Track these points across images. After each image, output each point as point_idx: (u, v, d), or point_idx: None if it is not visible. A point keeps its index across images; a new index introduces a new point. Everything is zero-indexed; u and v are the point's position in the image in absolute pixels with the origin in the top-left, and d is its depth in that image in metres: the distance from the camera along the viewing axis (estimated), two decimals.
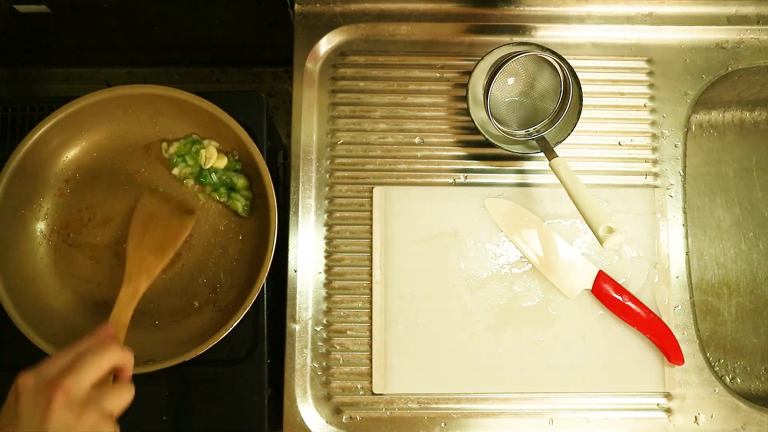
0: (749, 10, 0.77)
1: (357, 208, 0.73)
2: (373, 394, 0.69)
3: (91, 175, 0.69)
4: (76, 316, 0.67)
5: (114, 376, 0.52)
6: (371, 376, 0.70)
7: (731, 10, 0.77)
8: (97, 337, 0.52)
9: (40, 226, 0.68)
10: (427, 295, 0.71)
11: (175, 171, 0.69)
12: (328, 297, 0.71)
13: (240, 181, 0.69)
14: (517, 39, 0.76)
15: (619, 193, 0.73)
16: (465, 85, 0.70)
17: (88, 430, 0.46)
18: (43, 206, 0.68)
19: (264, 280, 0.63)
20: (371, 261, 0.71)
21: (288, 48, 0.76)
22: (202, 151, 0.68)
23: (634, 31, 0.77)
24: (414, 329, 0.70)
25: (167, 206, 0.68)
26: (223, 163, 0.69)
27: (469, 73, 0.70)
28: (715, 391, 0.71)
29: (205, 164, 0.68)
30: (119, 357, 0.51)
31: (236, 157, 0.69)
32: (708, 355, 0.73)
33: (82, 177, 0.69)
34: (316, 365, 0.70)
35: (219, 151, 0.69)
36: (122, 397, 0.50)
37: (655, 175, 0.75)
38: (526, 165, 0.74)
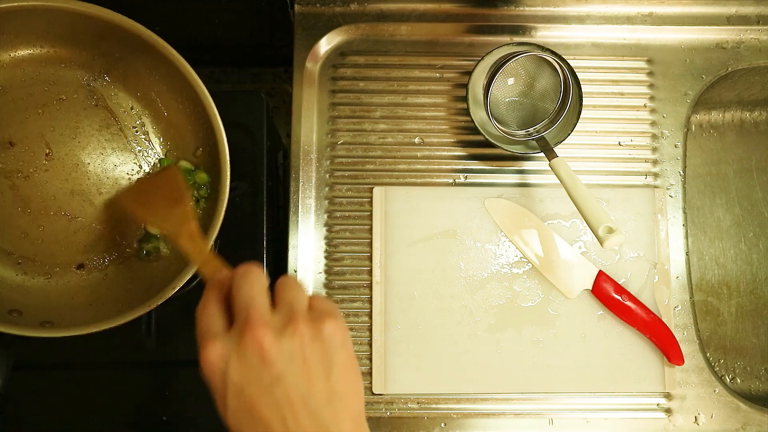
0: (749, 10, 0.77)
1: (357, 208, 0.73)
2: (373, 394, 0.69)
3: None
4: None
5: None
6: (371, 376, 0.70)
7: (731, 10, 0.77)
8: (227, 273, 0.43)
9: None
10: (427, 295, 0.71)
11: None
12: (328, 297, 0.71)
13: (199, 175, 0.63)
14: (517, 39, 0.76)
15: (619, 193, 0.73)
16: (465, 85, 0.70)
17: (322, 334, 0.38)
18: None
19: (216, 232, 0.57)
20: (371, 261, 0.71)
21: (288, 48, 0.76)
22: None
23: (634, 31, 0.77)
24: (414, 329, 0.70)
25: (145, 184, 0.61)
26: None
27: (469, 73, 0.70)
28: (715, 391, 0.71)
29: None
30: (257, 272, 0.40)
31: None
32: (708, 355, 0.73)
33: None
34: None
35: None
36: (299, 290, 0.40)
37: (655, 175, 0.75)
38: (526, 165, 0.74)
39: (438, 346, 0.70)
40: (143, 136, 0.63)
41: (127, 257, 0.62)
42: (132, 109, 0.63)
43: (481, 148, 0.74)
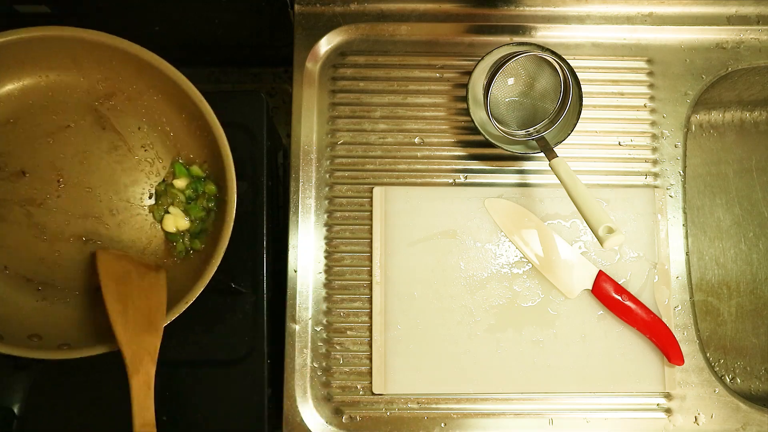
0: (749, 10, 0.77)
1: (357, 208, 0.73)
2: (373, 394, 0.69)
3: (7, 118, 0.60)
4: None
5: None
6: (371, 376, 0.70)
7: (731, 10, 0.77)
8: None
9: None
10: (427, 295, 0.71)
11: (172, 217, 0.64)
12: (328, 297, 0.71)
13: (209, 186, 0.64)
14: (517, 39, 0.76)
15: (619, 193, 0.73)
16: (465, 85, 0.70)
17: None
18: None
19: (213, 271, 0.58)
20: (371, 261, 0.71)
21: (288, 48, 0.76)
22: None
23: (634, 31, 0.77)
24: (414, 329, 0.70)
25: (131, 266, 0.60)
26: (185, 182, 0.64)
27: (469, 73, 0.70)
28: (715, 391, 0.71)
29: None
30: None
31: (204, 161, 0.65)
32: (708, 355, 0.73)
33: None
34: (316, 365, 0.70)
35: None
36: None
37: (655, 175, 0.75)
38: (526, 165, 0.74)
39: (438, 346, 0.70)
40: (152, 155, 0.65)
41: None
42: (139, 129, 0.64)
43: (481, 148, 0.74)
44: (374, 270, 0.71)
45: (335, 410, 0.70)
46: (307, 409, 0.69)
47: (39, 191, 0.61)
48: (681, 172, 0.75)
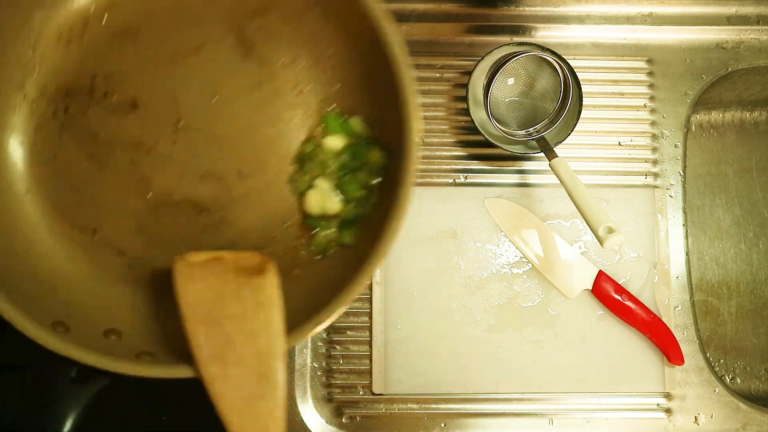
0: (749, 10, 0.77)
1: None
2: (373, 394, 0.70)
3: (125, 27, 0.44)
4: (40, 233, 0.42)
5: None
6: (371, 376, 0.70)
7: (731, 10, 0.77)
8: None
9: (27, 82, 0.42)
10: (427, 295, 0.71)
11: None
12: None
13: (373, 153, 0.44)
14: (517, 39, 0.76)
15: (619, 193, 0.73)
16: (465, 85, 0.70)
17: None
18: (36, 51, 0.42)
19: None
20: None
21: None
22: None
23: (634, 31, 0.77)
24: (414, 329, 0.70)
25: (225, 279, 0.40)
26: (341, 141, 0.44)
27: (469, 73, 0.70)
28: (715, 391, 0.71)
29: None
30: None
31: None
32: (708, 355, 0.73)
33: (111, 25, 0.44)
34: (316, 365, 0.70)
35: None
36: None
37: (655, 175, 0.75)
38: (526, 165, 0.74)
39: (438, 346, 0.70)
40: (306, 101, 0.47)
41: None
42: (294, 62, 0.47)
43: (481, 148, 0.74)
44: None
45: (335, 410, 0.70)
46: (307, 409, 0.69)
47: (150, 133, 0.45)
48: (681, 172, 0.75)
